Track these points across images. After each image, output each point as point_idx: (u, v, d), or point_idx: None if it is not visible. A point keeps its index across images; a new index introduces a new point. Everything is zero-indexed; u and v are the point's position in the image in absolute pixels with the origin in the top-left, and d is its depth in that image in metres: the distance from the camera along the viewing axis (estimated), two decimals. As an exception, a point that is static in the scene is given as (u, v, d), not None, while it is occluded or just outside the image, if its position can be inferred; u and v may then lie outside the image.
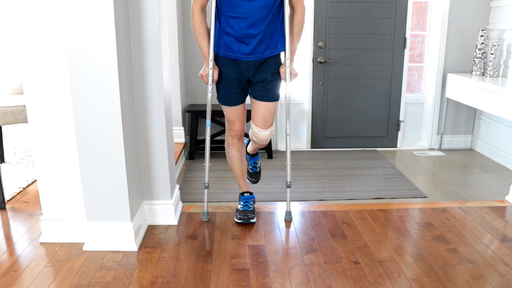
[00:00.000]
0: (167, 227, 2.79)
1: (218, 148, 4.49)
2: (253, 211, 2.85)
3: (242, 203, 2.88)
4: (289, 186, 2.88)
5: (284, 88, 2.70)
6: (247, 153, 3.02)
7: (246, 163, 3.03)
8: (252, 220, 2.80)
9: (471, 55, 4.68)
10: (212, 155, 4.41)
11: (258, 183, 3.32)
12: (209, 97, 2.71)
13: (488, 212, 3.03)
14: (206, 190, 2.91)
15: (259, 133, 2.73)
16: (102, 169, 2.42)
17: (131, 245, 2.50)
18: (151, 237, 2.67)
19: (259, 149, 3.03)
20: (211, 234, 2.71)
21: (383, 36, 4.62)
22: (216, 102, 2.75)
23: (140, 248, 2.54)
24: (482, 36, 4.40)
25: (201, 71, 2.65)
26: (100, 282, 2.21)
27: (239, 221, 2.80)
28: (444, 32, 4.62)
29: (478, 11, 4.59)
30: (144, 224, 2.73)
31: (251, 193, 2.95)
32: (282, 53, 2.64)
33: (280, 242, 2.62)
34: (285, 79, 2.62)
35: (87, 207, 2.48)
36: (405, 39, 4.65)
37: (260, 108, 2.67)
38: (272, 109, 2.69)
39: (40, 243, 2.61)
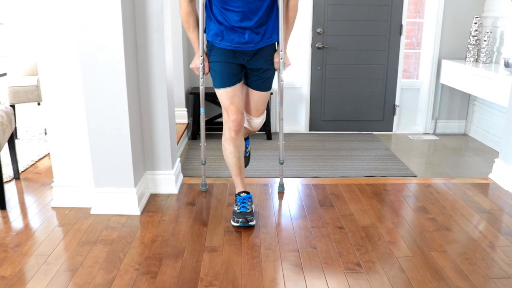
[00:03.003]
0: (168, 195, 3.00)
1: (218, 129, 4.73)
2: (251, 213, 2.60)
3: (239, 204, 2.64)
4: (282, 163, 3.05)
5: (278, 79, 2.75)
6: None
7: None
8: (251, 223, 2.56)
9: (466, 42, 4.83)
10: (212, 136, 4.63)
11: (251, 164, 3.40)
12: (202, 89, 2.81)
13: (471, 188, 3.22)
14: (203, 166, 3.07)
15: (251, 121, 2.78)
16: (109, 140, 2.64)
17: (135, 209, 2.72)
18: (153, 203, 2.89)
19: (257, 132, 3.14)
20: (208, 202, 2.93)
21: (380, 23, 4.79)
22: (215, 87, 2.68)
23: (142, 212, 2.76)
24: (476, 23, 4.56)
25: (192, 64, 2.69)
26: (106, 240, 2.44)
27: (237, 224, 2.56)
28: (439, 19, 4.77)
29: (473, -1, 4.74)
30: (146, 192, 2.95)
31: (248, 193, 2.72)
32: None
33: (272, 209, 2.83)
34: (278, 69, 2.66)
35: (95, 174, 2.70)
36: (401, 26, 4.82)
37: (253, 97, 2.69)
38: (264, 98, 2.72)
39: (52, 207, 2.84)
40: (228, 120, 2.60)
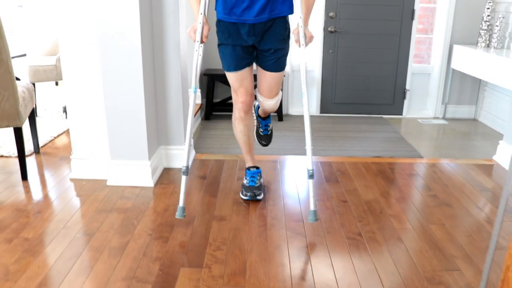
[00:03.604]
0: (180, 169, 3.13)
1: (229, 110, 4.82)
2: (259, 187, 2.71)
3: (248, 178, 2.75)
4: (311, 176, 2.38)
5: (299, 55, 2.44)
6: (259, 115, 2.94)
7: (257, 125, 2.96)
8: (258, 197, 2.67)
9: (478, 27, 4.86)
10: (223, 117, 4.75)
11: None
12: (196, 56, 2.39)
13: (474, 168, 3.29)
14: (184, 178, 2.41)
15: (264, 103, 2.67)
16: (125, 116, 2.78)
17: (148, 181, 2.86)
18: (166, 176, 3.03)
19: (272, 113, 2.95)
20: (218, 176, 3.06)
21: (392, 7, 4.84)
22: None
23: (156, 184, 2.91)
24: (488, 8, 4.58)
25: (189, 28, 2.46)
26: (120, 208, 2.58)
27: (245, 197, 2.67)
28: (452, 4, 4.80)
29: (486, -16, 4.75)
30: (160, 166, 3.09)
31: (257, 168, 2.80)
32: (290, 17, 2.52)
33: (279, 184, 2.95)
34: (298, 42, 2.40)
35: (111, 147, 2.84)
36: (413, 10, 4.86)
37: (266, 77, 2.57)
38: (278, 79, 2.59)
39: (70, 179, 2.99)
40: (238, 102, 2.61)
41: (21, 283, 1.90)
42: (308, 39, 2.45)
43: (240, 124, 2.68)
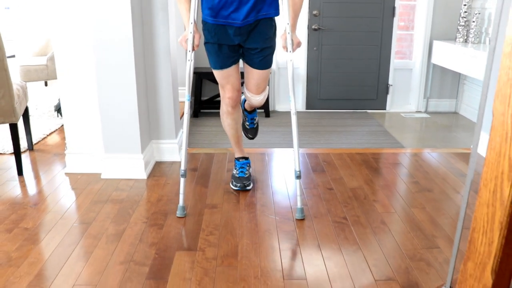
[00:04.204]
0: (172, 163, 3.24)
1: (217, 107, 4.93)
2: (248, 178, 2.83)
3: (237, 168, 2.86)
4: (298, 176, 2.51)
5: (287, 59, 2.44)
6: (245, 109, 3.00)
7: (244, 119, 3.02)
8: (248, 187, 2.79)
9: (456, 23, 5.03)
10: (211, 114, 4.85)
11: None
12: (189, 65, 2.44)
13: (454, 156, 3.45)
14: (182, 179, 2.50)
15: (252, 99, 2.73)
16: (118, 111, 2.87)
17: (141, 173, 2.96)
18: (158, 169, 3.13)
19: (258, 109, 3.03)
20: (209, 168, 3.17)
21: (374, 5, 4.99)
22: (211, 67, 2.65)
23: (148, 177, 3.01)
24: (465, 5, 4.75)
25: (180, 37, 2.48)
26: (116, 199, 2.68)
27: (236, 188, 2.78)
28: (431, 1, 4.97)
29: (463, -18, 4.92)
30: (152, 160, 3.19)
31: (246, 158, 2.91)
32: (277, 19, 2.54)
33: (267, 174, 3.06)
34: (285, 48, 2.43)
35: (105, 141, 2.93)
36: (394, 8, 5.02)
37: (253, 75, 2.62)
38: (265, 76, 2.64)
39: (65, 173, 3.07)
40: (225, 97, 2.67)
41: (23, 268, 1.99)
42: (296, 45, 2.45)
43: (228, 118, 2.75)
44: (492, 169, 1.13)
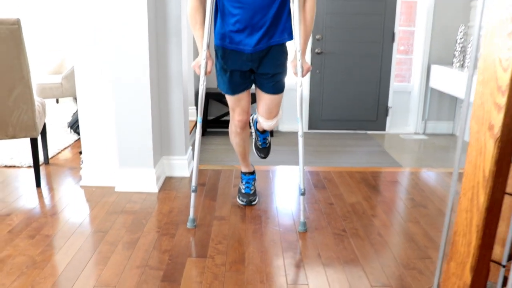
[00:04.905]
0: (181, 178, 3.43)
1: (225, 126, 5.13)
2: (254, 193, 2.96)
3: (243, 183, 2.98)
4: (303, 194, 2.65)
5: (296, 84, 2.54)
6: (257, 129, 3.00)
7: (256, 138, 3.06)
8: (253, 203, 2.93)
9: (453, 49, 5.26)
10: (219, 133, 5.05)
11: (256, 156, 3.31)
12: (201, 90, 2.52)
13: (449, 175, 3.62)
14: (193, 194, 2.65)
15: (264, 123, 2.75)
16: (133, 127, 3.07)
17: (153, 187, 3.15)
18: (169, 184, 3.31)
19: None
20: (216, 183, 3.35)
21: (374, 30, 5.23)
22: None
23: (160, 190, 3.19)
24: (461, 32, 4.99)
25: (193, 62, 2.54)
26: (129, 210, 2.86)
27: (242, 203, 2.92)
28: (429, 28, 5.21)
29: (460, 9, 5.17)
30: (163, 175, 3.38)
31: (252, 173, 3.02)
32: (288, 44, 2.56)
33: (271, 190, 3.24)
34: (296, 73, 2.51)
35: (120, 155, 3.12)
36: (393, 33, 5.25)
37: (265, 99, 2.64)
38: (277, 101, 2.66)
39: (80, 186, 3.26)
40: (234, 119, 2.73)
41: (47, 270, 2.16)
42: (306, 70, 2.52)
43: (237, 137, 2.84)
44: (470, 179, 1.32)
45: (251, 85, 2.66)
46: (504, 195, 1.32)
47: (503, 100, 1.17)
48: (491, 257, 1.39)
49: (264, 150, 3.09)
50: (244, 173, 3.04)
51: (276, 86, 2.60)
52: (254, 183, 3.06)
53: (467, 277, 1.36)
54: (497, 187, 1.28)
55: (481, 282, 1.38)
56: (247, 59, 2.47)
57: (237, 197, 3.04)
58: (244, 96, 2.65)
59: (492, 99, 1.19)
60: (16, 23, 2.86)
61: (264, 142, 3.06)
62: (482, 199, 1.28)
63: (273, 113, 2.71)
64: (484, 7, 1.40)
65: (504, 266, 1.56)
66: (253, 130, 3.01)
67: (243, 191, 2.99)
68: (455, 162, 1.62)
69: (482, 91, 1.22)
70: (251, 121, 3.02)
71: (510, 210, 1.55)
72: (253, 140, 3.07)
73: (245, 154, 2.97)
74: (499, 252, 1.59)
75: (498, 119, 1.19)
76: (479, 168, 1.27)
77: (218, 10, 2.44)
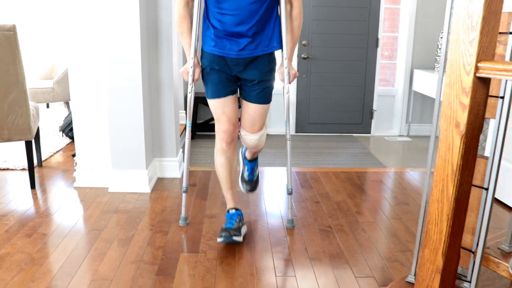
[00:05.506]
0: (173, 179, 3.53)
1: (212, 130, 5.26)
2: (237, 229, 2.46)
3: (227, 220, 2.56)
4: (290, 193, 2.73)
5: (284, 91, 2.55)
6: (245, 157, 2.86)
7: (243, 168, 2.87)
8: (235, 238, 2.40)
9: (434, 54, 5.44)
10: (207, 136, 5.16)
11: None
12: (189, 97, 2.55)
13: (430, 175, 3.77)
14: (184, 194, 2.72)
15: (245, 137, 2.57)
16: (126, 130, 3.18)
17: (146, 188, 3.25)
18: (160, 184, 3.42)
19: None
20: (207, 183, 3.46)
21: (359, 36, 5.39)
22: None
23: (152, 191, 3.29)
24: (442, 37, 5.17)
25: (182, 68, 2.51)
26: (123, 210, 2.96)
27: (220, 239, 2.40)
28: (411, 34, 5.38)
29: (440, 16, 5.36)
30: (155, 176, 3.48)
31: (238, 209, 2.61)
32: (276, 52, 2.50)
33: (260, 190, 3.36)
34: (283, 80, 2.50)
35: (113, 157, 3.23)
36: (377, 39, 5.42)
37: (248, 110, 2.50)
38: (261, 112, 2.51)
39: (74, 187, 3.35)
40: (219, 131, 2.48)
41: (46, 266, 2.26)
42: (292, 76, 2.51)
43: (222, 156, 2.53)
44: (440, 172, 1.45)
45: (237, 91, 2.53)
46: (471, 186, 1.46)
47: (467, 101, 1.31)
48: (461, 243, 1.53)
49: (250, 183, 2.85)
50: (228, 210, 2.61)
51: (261, 95, 2.48)
52: (240, 221, 2.57)
53: (440, 262, 1.49)
54: (464, 179, 1.41)
55: (452, 266, 1.51)
56: (232, 63, 2.38)
57: (218, 234, 2.47)
58: (230, 102, 2.46)
59: (457, 100, 1.33)
60: (12, 29, 2.96)
61: (252, 173, 2.84)
62: (451, 190, 1.41)
63: (256, 126, 2.53)
64: (451, 16, 1.54)
65: (473, 253, 1.70)
66: (240, 159, 2.87)
67: (223, 226, 2.51)
68: (428, 158, 1.76)
69: (449, 92, 1.36)
70: (239, 153, 2.90)
71: (478, 201, 1.70)
72: (240, 170, 2.88)
73: (230, 182, 2.59)
74: (469, 240, 1.73)
75: (463, 118, 1.33)
76: (448, 162, 1.41)
77: (205, 15, 2.40)
